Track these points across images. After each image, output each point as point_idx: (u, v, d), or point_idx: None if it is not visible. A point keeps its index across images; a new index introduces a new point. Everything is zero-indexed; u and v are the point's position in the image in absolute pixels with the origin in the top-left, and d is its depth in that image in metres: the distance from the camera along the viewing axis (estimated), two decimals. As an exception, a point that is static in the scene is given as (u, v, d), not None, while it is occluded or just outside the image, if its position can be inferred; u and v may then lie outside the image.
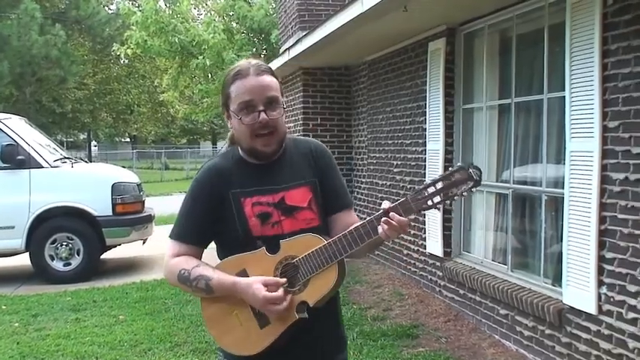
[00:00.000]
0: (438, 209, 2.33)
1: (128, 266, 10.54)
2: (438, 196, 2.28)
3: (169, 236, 2.59)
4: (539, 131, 5.81)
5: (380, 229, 2.30)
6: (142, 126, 46.39)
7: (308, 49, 8.88)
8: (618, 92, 4.55)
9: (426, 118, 7.47)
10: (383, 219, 2.30)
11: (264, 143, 2.46)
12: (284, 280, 2.38)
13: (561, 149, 5.30)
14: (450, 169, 2.29)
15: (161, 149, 44.04)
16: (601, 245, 4.72)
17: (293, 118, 11.49)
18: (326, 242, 2.38)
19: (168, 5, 17.49)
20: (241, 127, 2.46)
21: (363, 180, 10.21)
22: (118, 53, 17.78)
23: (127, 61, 38.36)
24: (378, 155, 9.35)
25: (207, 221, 2.53)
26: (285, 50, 10.36)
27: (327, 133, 10.85)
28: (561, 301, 5.21)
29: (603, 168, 4.69)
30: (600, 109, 4.68)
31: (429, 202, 2.29)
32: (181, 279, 2.49)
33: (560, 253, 5.23)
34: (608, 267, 4.67)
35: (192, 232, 2.56)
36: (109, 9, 38.17)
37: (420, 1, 5.99)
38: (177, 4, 16.91)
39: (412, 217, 2.34)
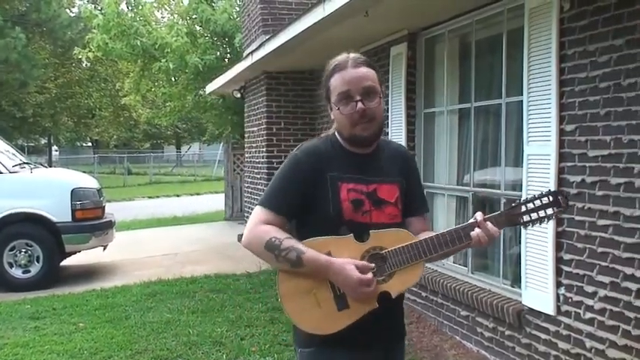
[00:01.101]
0: (526, 228, 2.56)
1: (89, 273, 10.38)
2: (528, 216, 2.50)
3: (259, 203, 2.65)
4: (498, 135, 5.88)
5: (474, 233, 2.48)
6: (103, 130, 45.96)
7: (271, 52, 8.88)
8: (575, 96, 4.62)
9: (388, 122, 7.50)
10: (480, 223, 2.48)
11: (364, 128, 2.58)
12: (373, 265, 2.48)
13: (520, 153, 5.37)
14: (542, 192, 2.52)
15: (123, 154, 43.68)
16: (558, 247, 4.79)
17: (257, 122, 11.48)
18: (417, 240, 2.51)
19: (130, 8, 17.29)
20: (341, 117, 2.59)
21: (326, 184, 10.21)
22: (80, 56, 17.59)
23: (88, 65, 37.99)
24: (340, 159, 9.37)
25: (300, 197, 2.61)
26: (248, 54, 10.35)
27: (291, 137, 10.86)
28: (520, 302, 5.28)
29: (560, 171, 4.76)
30: (557, 113, 4.75)
31: (520, 220, 2.51)
32: (270, 246, 2.53)
33: (519, 255, 5.30)
34: (565, 268, 4.74)
35: (285, 204, 2.62)
36: (71, 12, 37.80)
37: (381, 7, 6.03)
38: (140, 7, 16.78)
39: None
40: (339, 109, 2.58)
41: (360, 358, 2.61)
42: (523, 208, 2.49)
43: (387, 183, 2.64)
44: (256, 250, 2.58)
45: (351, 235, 2.52)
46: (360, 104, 2.54)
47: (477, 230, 2.47)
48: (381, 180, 2.63)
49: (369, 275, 2.44)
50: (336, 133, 2.70)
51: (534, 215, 2.49)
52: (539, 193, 2.50)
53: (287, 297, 2.59)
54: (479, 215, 2.50)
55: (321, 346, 2.58)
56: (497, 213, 2.51)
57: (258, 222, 2.60)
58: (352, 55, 2.67)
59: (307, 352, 2.65)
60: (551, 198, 2.47)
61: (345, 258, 2.48)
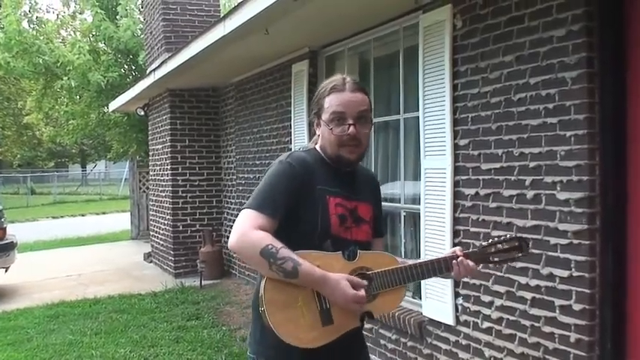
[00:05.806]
0: (495, 265, 2.91)
1: (-11, 296, 10.09)
2: (497, 257, 2.70)
3: (252, 208, 2.53)
4: (397, 150, 5.99)
5: (456, 269, 2.62)
6: (6, 150, 44.56)
7: (173, 70, 8.82)
8: (468, 112, 4.75)
9: (291, 139, 7.56)
10: (460, 261, 2.62)
11: (350, 151, 2.63)
12: (365, 282, 2.50)
13: (418, 167, 5.48)
14: (508, 236, 2.74)
15: (27, 173, 42.37)
16: (456, 258, 4.89)
17: (161, 140, 11.36)
18: (402, 265, 2.60)
19: (32, 26, 16.92)
20: (331, 136, 2.63)
21: (232, 200, 10.20)
22: (-19, 75, 17.12)
23: (-10, 84, 36.83)
24: (246, 176, 9.37)
25: (291, 203, 2.55)
26: (150, 72, 10.25)
27: (196, 154, 10.80)
28: (421, 313, 5.37)
29: (455, 184, 4.88)
30: (451, 127, 4.88)
31: (490, 259, 2.71)
32: (265, 254, 2.42)
33: (419, 267, 5.39)
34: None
35: (278, 206, 2.53)
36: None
37: (280, 25, 6.07)
38: (42, 25, 16.47)
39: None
40: (331, 128, 2.62)
41: None
42: (492, 249, 2.68)
43: (365, 202, 2.74)
44: (247, 254, 2.49)
45: (340, 252, 2.55)
46: (352, 128, 2.59)
47: (458, 267, 2.61)
48: (360, 198, 2.72)
49: (362, 292, 2.45)
50: (317, 148, 2.73)
51: (503, 256, 2.70)
52: (506, 236, 2.73)
53: (272, 305, 2.49)
54: (458, 250, 2.65)
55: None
56: (473, 250, 2.68)
57: (253, 227, 2.48)
58: (349, 78, 2.70)
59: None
60: (516, 243, 2.69)
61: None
